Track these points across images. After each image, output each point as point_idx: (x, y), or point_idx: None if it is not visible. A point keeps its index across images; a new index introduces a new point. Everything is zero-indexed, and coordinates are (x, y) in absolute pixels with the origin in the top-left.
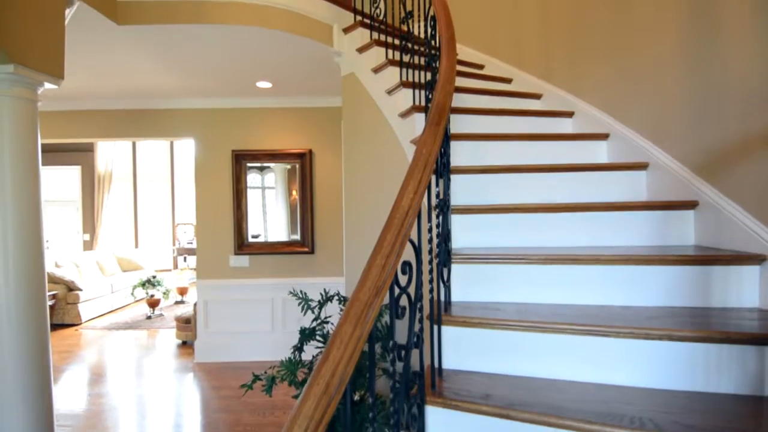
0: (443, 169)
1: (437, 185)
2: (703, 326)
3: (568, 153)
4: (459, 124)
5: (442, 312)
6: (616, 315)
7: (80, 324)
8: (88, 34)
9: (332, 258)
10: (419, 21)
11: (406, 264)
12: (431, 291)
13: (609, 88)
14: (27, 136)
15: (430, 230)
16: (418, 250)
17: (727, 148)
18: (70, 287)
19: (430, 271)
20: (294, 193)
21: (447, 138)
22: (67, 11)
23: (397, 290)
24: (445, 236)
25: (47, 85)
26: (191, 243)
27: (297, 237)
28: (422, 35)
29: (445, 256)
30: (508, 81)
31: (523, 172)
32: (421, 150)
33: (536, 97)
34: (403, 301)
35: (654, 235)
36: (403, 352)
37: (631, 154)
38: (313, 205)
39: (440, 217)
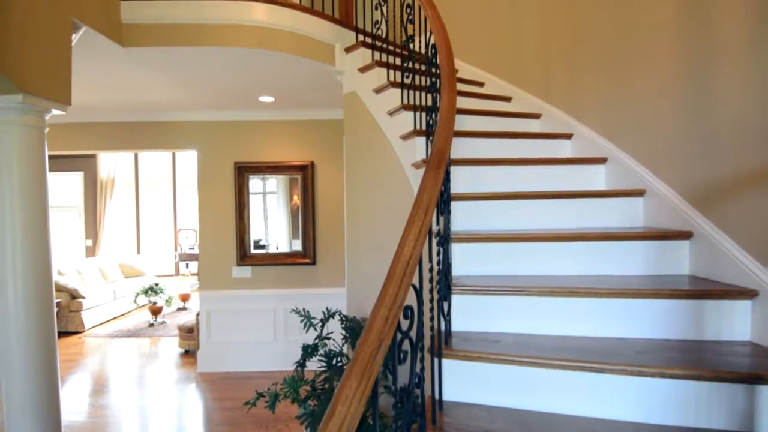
0: (444, 207)
1: (438, 223)
2: (695, 363)
3: (567, 176)
4: (459, 147)
5: (442, 345)
6: (612, 348)
7: (83, 332)
8: (93, 54)
9: (333, 269)
10: (421, 35)
11: (408, 309)
12: (432, 328)
13: (608, 112)
14: (35, 162)
15: (431, 270)
16: (419, 293)
17: (721, 182)
18: (74, 295)
19: (431, 309)
20: (296, 203)
21: (447, 174)
22: (73, 36)
23: (399, 336)
24: (445, 270)
25: (54, 111)
26: (193, 248)
27: (299, 248)
28: (423, 51)
29: (445, 290)
30: (508, 99)
31: (523, 198)
32: (422, 196)
33: (535, 117)
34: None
35: (650, 264)
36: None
37: (629, 179)
38: (315, 217)
39: (440, 254)
